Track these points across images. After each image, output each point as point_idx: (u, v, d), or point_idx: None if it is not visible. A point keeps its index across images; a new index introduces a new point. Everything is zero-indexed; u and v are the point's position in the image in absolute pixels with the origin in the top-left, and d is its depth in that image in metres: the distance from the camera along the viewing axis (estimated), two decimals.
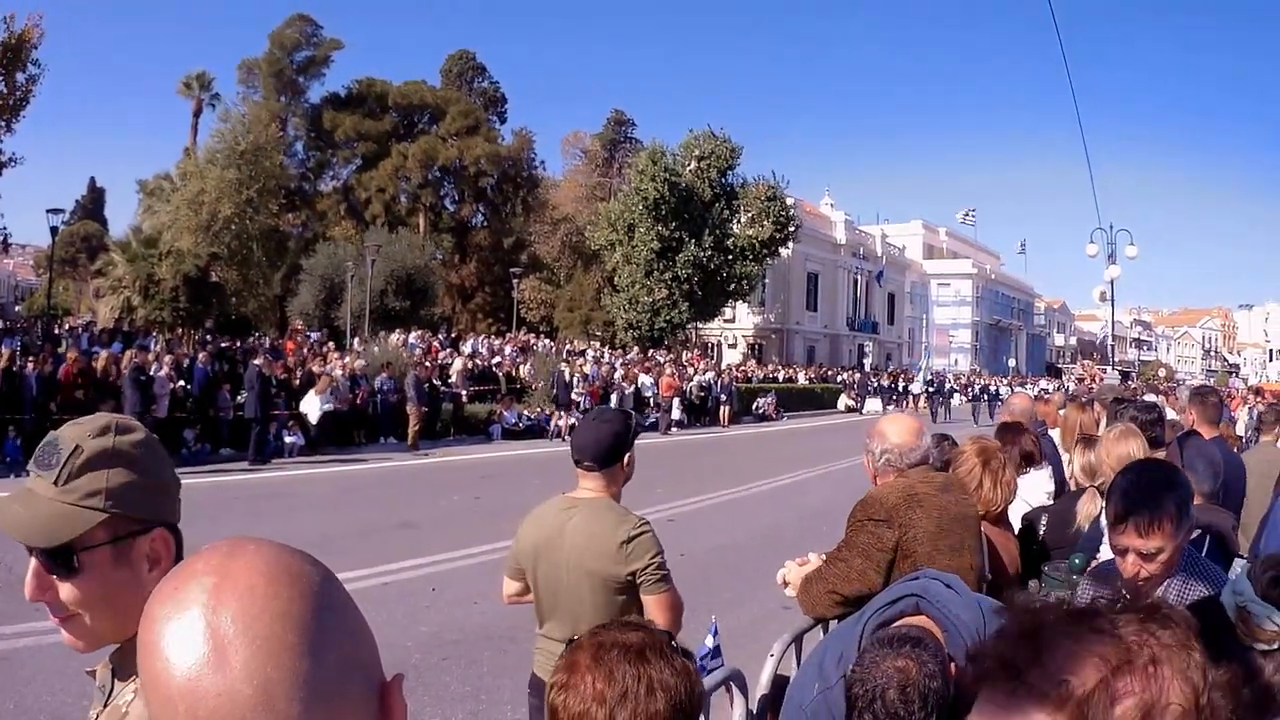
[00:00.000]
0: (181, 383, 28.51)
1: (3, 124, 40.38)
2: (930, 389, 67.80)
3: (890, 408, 62.88)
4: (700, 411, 51.13)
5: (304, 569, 1.34)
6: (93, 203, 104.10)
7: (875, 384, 68.82)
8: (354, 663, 1.31)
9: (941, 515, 4.69)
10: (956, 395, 74.95)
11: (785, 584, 5.61)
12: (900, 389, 67.59)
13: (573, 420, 38.96)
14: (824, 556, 5.36)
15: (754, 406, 57.66)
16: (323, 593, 1.33)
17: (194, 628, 1.19)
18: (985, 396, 69.78)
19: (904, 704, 3.20)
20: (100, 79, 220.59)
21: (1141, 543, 3.85)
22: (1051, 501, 7.82)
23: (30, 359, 27.34)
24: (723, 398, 51.95)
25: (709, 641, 5.44)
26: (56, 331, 43.09)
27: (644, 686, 2.22)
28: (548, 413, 41.56)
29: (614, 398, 43.68)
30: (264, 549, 1.32)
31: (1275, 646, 2.92)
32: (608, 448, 4.96)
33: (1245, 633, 2.98)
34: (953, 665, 3.33)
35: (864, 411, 64.05)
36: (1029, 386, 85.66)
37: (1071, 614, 1.59)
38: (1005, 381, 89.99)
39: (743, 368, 70.38)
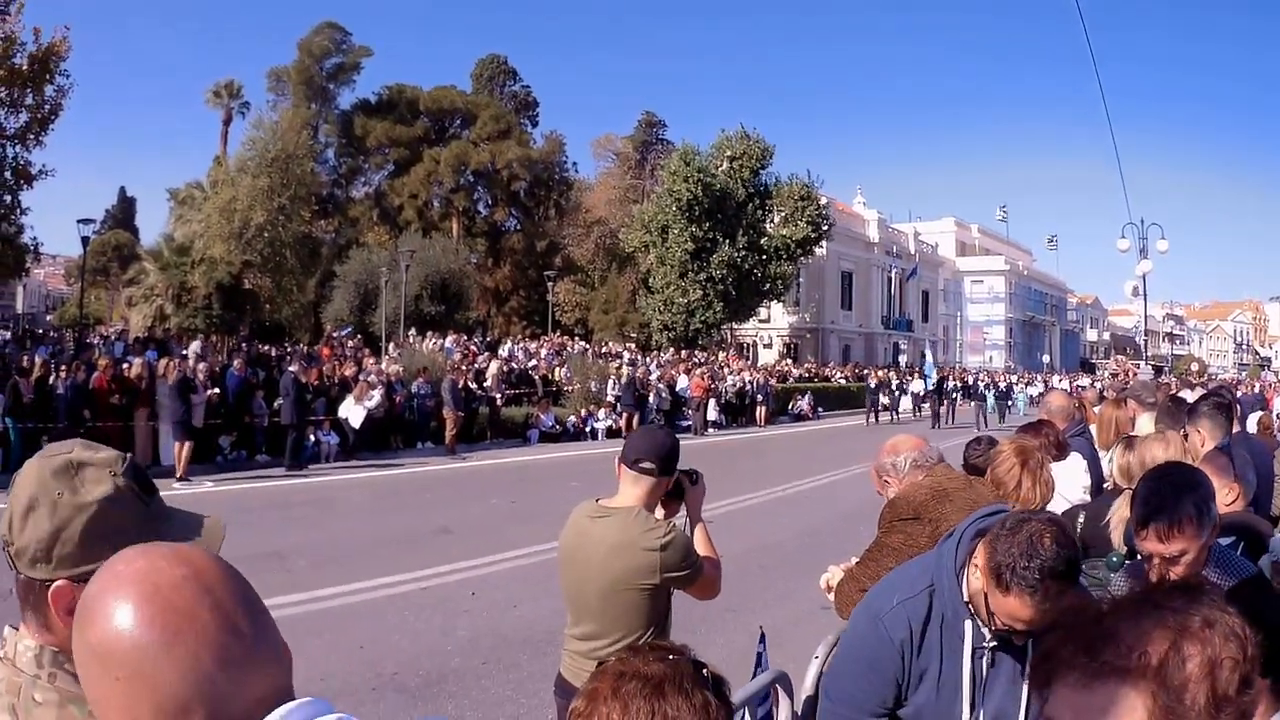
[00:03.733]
0: (215, 390, 28.53)
1: (32, 137, 40.58)
2: (932, 389, 62.12)
3: (904, 409, 61.33)
4: (737, 412, 51.14)
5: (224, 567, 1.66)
6: (123, 212, 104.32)
7: (878, 385, 60.32)
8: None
9: (973, 509, 4.66)
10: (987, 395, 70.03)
11: (829, 588, 5.63)
12: (895, 390, 61.88)
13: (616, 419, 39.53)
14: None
15: (790, 406, 57.52)
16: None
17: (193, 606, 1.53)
18: (991, 394, 65.68)
19: (1061, 548, 3.36)
20: (129, 89, 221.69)
21: (1163, 547, 3.90)
22: (1088, 497, 7.81)
23: (63, 367, 27.42)
24: (759, 398, 51.88)
25: (762, 650, 5.48)
26: (89, 340, 43.25)
27: None
28: (586, 412, 41.64)
29: (651, 399, 43.60)
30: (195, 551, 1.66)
31: None
32: (669, 454, 4.94)
33: None
34: None
35: (897, 414, 59.41)
36: (1039, 383, 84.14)
37: (1126, 599, 1.85)
38: (1016, 377, 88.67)
39: (780, 366, 70.29)
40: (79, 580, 2.03)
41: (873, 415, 54.82)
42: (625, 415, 40.76)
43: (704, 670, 2.27)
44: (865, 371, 68.31)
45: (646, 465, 4.89)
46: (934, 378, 62.21)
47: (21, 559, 2.11)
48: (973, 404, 61.30)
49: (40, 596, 2.09)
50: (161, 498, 2.28)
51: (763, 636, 5.65)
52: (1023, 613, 3.42)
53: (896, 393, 61.15)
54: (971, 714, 3.73)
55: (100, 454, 2.23)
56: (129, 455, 2.26)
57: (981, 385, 67.80)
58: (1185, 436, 7.41)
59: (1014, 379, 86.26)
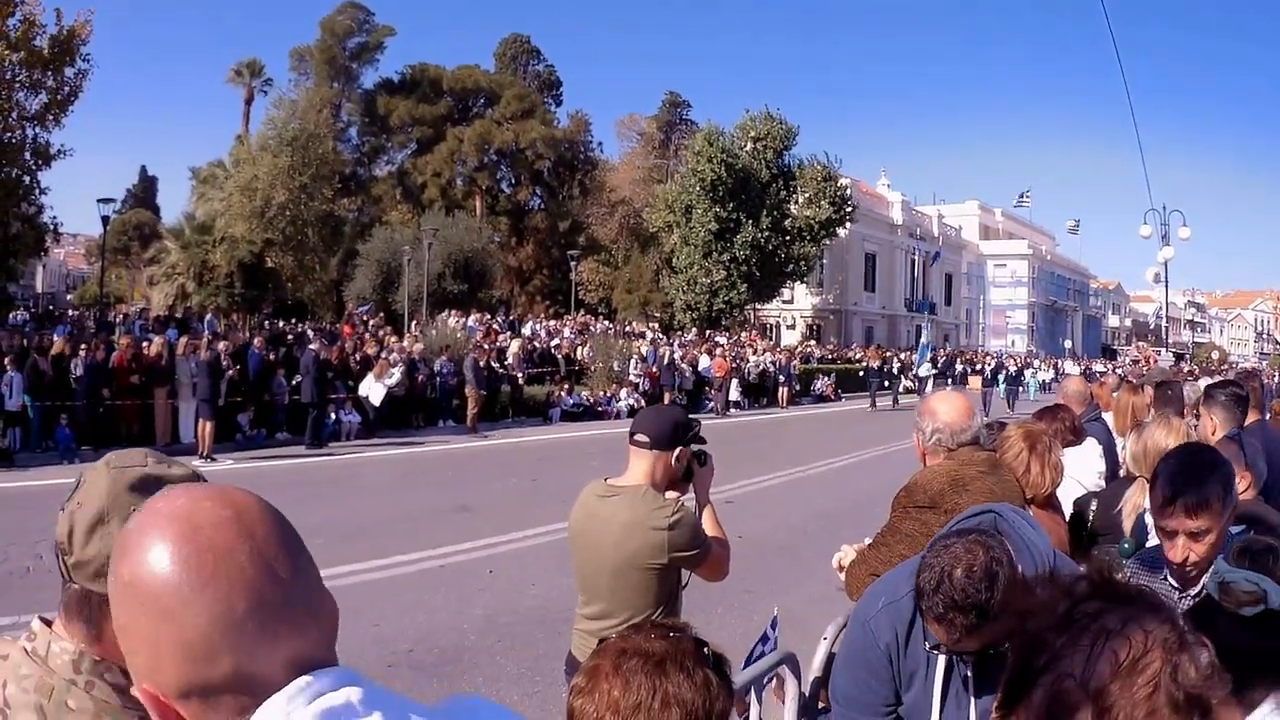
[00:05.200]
0: (236, 367, 28.61)
1: (51, 118, 40.87)
2: (934, 372, 59.61)
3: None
4: (759, 392, 51.24)
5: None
6: (144, 191, 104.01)
7: (880, 367, 57.45)
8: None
9: (990, 499, 4.64)
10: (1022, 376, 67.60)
11: (841, 567, 5.63)
12: (899, 372, 59.14)
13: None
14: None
15: (812, 387, 57.59)
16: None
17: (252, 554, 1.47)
18: (1000, 378, 63.10)
19: (970, 582, 3.22)
20: (150, 68, 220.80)
21: (1192, 523, 3.86)
22: (1103, 483, 7.79)
23: (83, 346, 27.53)
24: (781, 379, 51.98)
25: (770, 632, 5.47)
26: (110, 319, 43.42)
27: (658, 700, 2.19)
28: (609, 392, 41.72)
29: (674, 378, 43.63)
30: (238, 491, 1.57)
31: (1260, 608, 2.97)
32: (666, 429, 4.94)
33: (1231, 604, 3.02)
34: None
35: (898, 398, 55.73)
36: (1049, 369, 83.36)
37: (1048, 602, 1.72)
38: (1040, 362, 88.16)
39: (803, 347, 70.41)
40: None
41: (875, 400, 52.46)
42: (667, 395, 41.05)
43: (705, 648, 2.29)
44: (861, 355, 67.11)
45: (640, 438, 4.94)
46: (927, 360, 59.26)
47: (82, 571, 2.05)
48: (981, 388, 58.91)
49: (99, 611, 2.01)
50: None
51: (774, 621, 5.64)
52: (941, 636, 3.42)
53: (900, 375, 59.08)
54: (941, 716, 3.73)
55: (174, 470, 2.18)
56: (201, 475, 2.20)
57: (988, 369, 66.38)
58: (1198, 420, 7.41)
59: (1036, 363, 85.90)
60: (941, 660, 3.67)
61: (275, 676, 1.43)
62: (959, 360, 70.70)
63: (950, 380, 59.96)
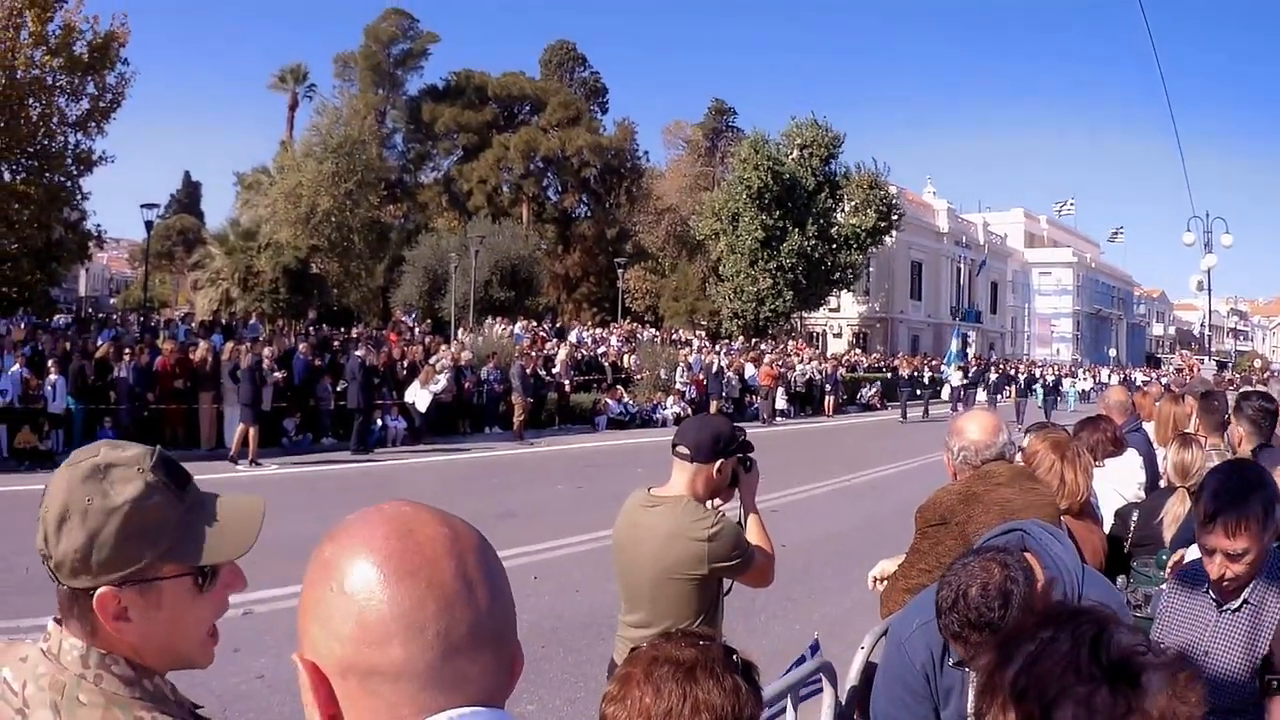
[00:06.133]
0: (283, 373, 28.74)
1: (94, 125, 41.19)
2: (967, 381, 58.53)
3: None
4: (805, 400, 51.11)
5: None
6: (188, 196, 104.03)
7: (911, 376, 56.56)
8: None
9: (1005, 508, 4.66)
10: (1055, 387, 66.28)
11: (877, 581, 5.69)
12: (925, 383, 57.02)
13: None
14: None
15: (858, 396, 57.42)
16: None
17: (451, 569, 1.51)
18: (1036, 387, 62.59)
19: (984, 601, 3.24)
20: (194, 74, 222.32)
21: (1229, 543, 3.89)
22: (1143, 494, 7.79)
23: (127, 350, 27.73)
24: (827, 387, 51.79)
25: (808, 655, 5.50)
26: (153, 323, 43.71)
27: (689, 706, 2.24)
28: (655, 400, 41.74)
29: (720, 386, 43.59)
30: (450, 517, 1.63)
31: None
32: (706, 442, 4.93)
33: None
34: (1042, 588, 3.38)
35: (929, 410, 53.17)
36: (1088, 378, 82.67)
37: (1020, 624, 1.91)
38: (1084, 371, 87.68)
39: (849, 355, 70.38)
40: (123, 584, 2.04)
41: (906, 410, 50.43)
42: (714, 403, 41.29)
43: (734, 655, 2.35)
44: (895, 362, 66.48)
45: (681, 450, 4.96)
46: (953, 369, 58.02)
47: (61, 571, 2.06)
48: (1015, 397, 57.90)
49: (85, 606, 2.06)
50: (197, 485, 2.22)
51: (816, 645, 5.67)
52: (960, 653, 3.44)
53: (930, 386, 57.25)
54: None
55: (127, 452, 2.17)
56: (157, 448, 2.20)
57: (1023, 378, 64.69)
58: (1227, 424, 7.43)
59: (1080, 372, 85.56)
60: (974, 676, 3.70)
61: (436, 693, 1.44)
62: (993, 369, 69.64)
63: (988, 390, 59.12)
